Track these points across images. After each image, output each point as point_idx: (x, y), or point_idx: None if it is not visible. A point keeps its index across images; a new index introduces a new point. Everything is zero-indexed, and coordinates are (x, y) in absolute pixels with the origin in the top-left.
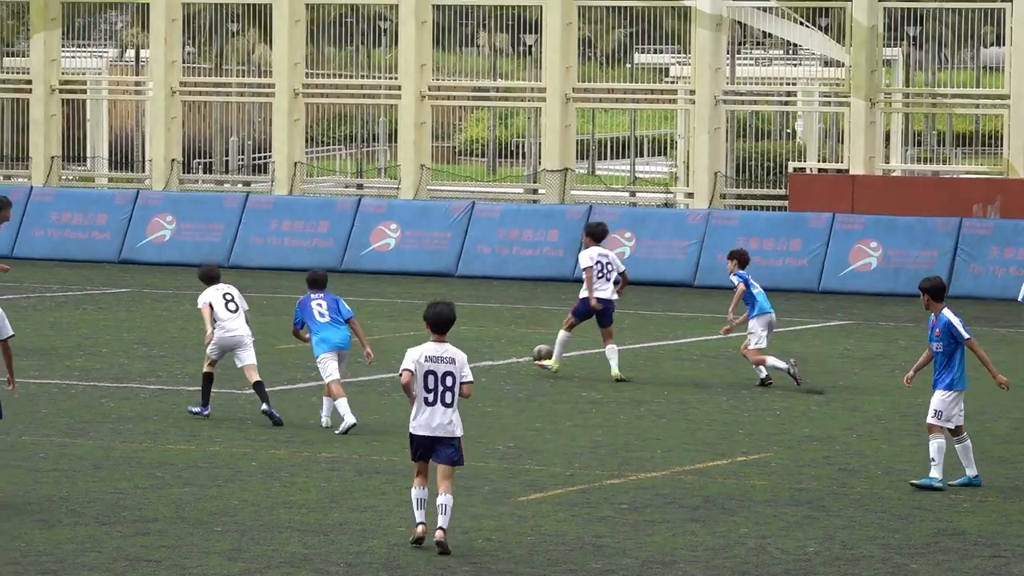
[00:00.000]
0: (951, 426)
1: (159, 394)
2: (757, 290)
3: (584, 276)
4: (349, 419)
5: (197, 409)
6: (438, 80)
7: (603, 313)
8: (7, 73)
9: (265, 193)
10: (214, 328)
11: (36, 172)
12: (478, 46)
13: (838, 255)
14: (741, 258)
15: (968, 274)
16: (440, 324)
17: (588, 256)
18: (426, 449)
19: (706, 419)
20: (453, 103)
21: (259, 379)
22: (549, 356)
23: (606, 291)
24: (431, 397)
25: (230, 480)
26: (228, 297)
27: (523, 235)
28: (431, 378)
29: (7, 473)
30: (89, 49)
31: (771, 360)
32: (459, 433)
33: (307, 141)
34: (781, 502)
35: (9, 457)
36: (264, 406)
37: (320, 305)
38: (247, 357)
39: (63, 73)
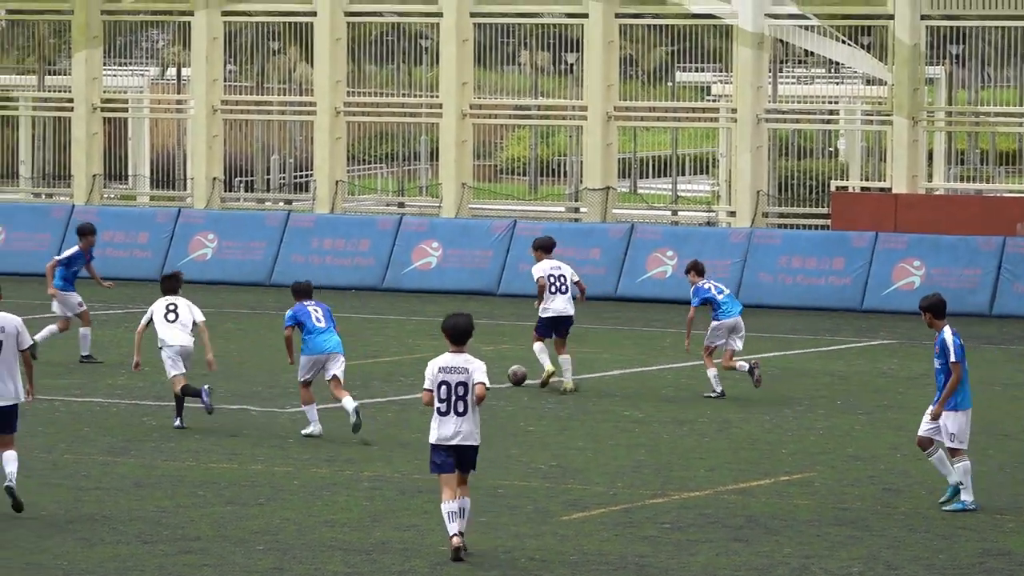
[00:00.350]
0: (964, 446)
1: (201, 412)
2: (724, 295)
3: (537, 287)
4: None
5: (182, 421)
6: (479, 98)
7: (561, 324)
8: (49, 91)
9: (306, 211)
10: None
11: (78, 190)
12: (519, 64)
13: (881, 274)
14: (698, 269)
15: (1012, 293)
16: (457, 335)
17: (540, 269)
18: (445, 459)
19: (749, 438)
20: (494, 121)
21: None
22: (524, 378)
23: (564, 306)
24: (444, 407)
25: (272, 499)
26: (170, 307)
27: (565, 254)
28: (444, 388)
29: (50, 491)
30: (131, 67)
31: (712, 372)
32: (472, 442)
33: (348, 159)
34: (825, 522)
35: (52, 475)
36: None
37: (316, 311)
38: (187, 368)
39: (105, 91)
